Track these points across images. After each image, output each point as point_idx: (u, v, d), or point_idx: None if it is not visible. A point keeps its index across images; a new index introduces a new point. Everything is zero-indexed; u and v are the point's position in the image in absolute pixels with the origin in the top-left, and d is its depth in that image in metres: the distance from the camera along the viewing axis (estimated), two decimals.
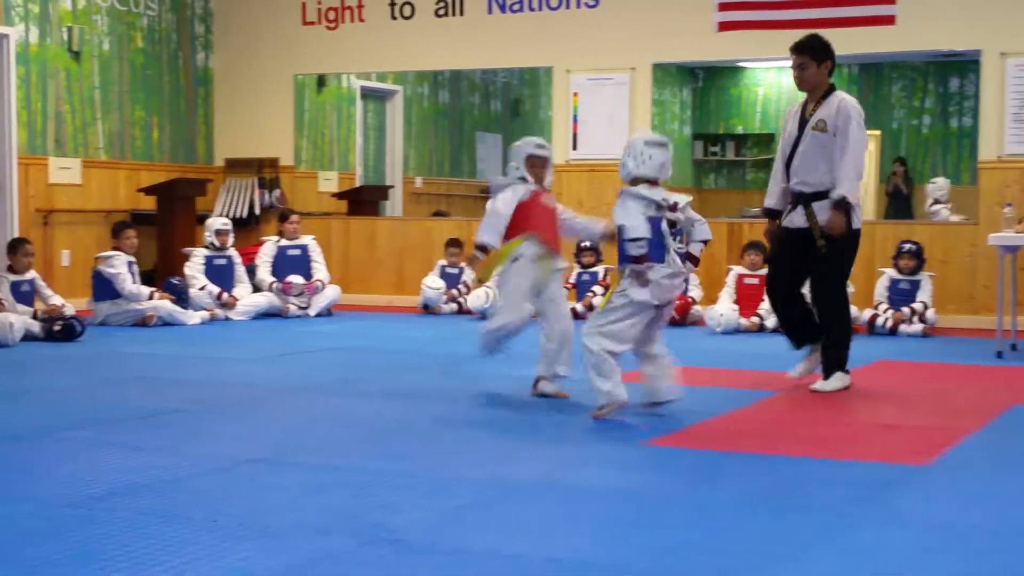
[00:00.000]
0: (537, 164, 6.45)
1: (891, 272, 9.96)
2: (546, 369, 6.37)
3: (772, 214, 6.95)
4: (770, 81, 15.36)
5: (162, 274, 10.90)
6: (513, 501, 4.20)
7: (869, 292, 9.99)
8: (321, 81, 13.26)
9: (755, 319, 9.75)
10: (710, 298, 10.38)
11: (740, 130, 15.83)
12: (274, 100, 12.61)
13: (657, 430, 5.46)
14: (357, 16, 12.21)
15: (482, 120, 16.06)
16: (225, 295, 10.50)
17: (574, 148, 11.41)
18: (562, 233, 6.50)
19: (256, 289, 10.85)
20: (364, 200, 13.08)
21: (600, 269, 10.80)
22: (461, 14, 11.80)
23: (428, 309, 11.21)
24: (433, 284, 11.19)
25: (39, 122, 10.87)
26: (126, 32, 11.78)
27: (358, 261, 12.29)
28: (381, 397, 6.42)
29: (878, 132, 14.82)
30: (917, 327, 9.63)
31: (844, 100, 6.61)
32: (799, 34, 7.01)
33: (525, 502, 4.19)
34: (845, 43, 9.99)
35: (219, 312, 10.39)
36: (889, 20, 10.38)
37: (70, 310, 9.22)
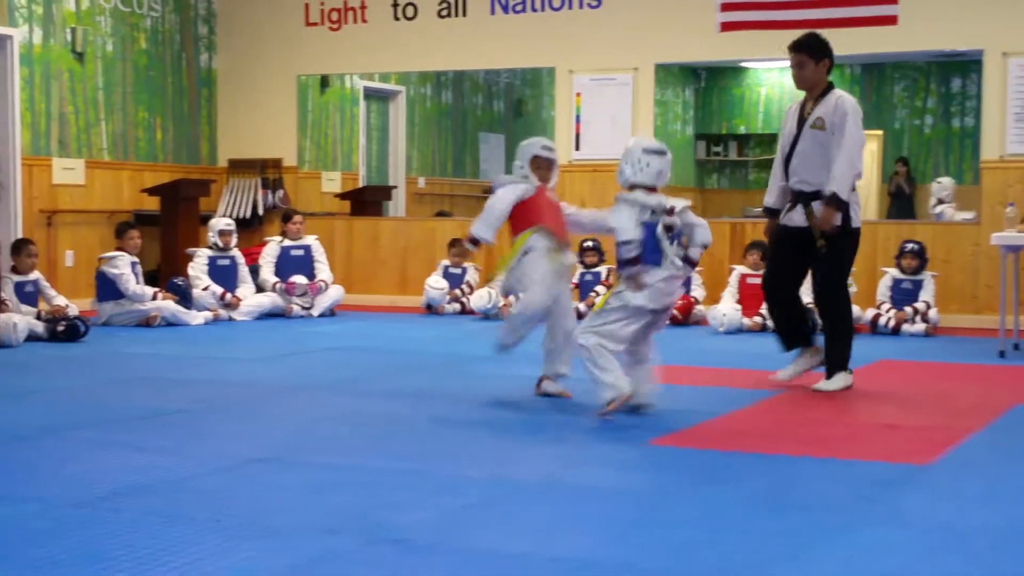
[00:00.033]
0: (543, 165, 6.45)
1: (893, 272, 9.96)
2: (549, 368, 6.38)
3: (772, 213, 6.95)
4: (772, 81, 15.37)
5: (165, 274, 10.91)
6: (516, 501, 4.21)
7: (872, 292, 10.00)
8: (324, 82, 13.27)
9: (758, 319, 9.74)
10: (713, 298, 10.39)
11: (742, 130, 15.85)
12: (277, 101, 12.62)
13: (659, 430, 5.47)
14: (360, 17, 12.22)
15: (485, 120, 16.07)
16: (228, 295, 10.51)
17: (577, 148, 11.42)
18: (570, 229, 6.49)
19: (259, 289, 10.86)
20: (367, 200, 13.10)
21: (603, 269, 10.80)
22: (464, 15, 11.81)
23: (431, 309, 11.22)
24: (436, 284, 11.20)
25: (43, 123, 10.89)
26: (129, 33, 11.80)
27: (361, 261, 12.30)
28: (384, 397, 6.42)
29: (880, 132, 14.83)
30: (919, 327, 9.63)
31: (842, 98, 6.61)
32: (801, 34, 7.02)
33: (528, 502, 4.20)
34: (847, 43, 10.03)
35: (222, 312, 10.40)
36: (891, 20, 10.38)
37: (74, 310, 9.22)
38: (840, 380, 6.65)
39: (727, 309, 9.81)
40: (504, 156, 15.67)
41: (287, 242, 11.07)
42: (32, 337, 8.68)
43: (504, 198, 6.37)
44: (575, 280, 10.63)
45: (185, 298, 10.17)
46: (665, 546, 3.62)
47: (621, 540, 3.74)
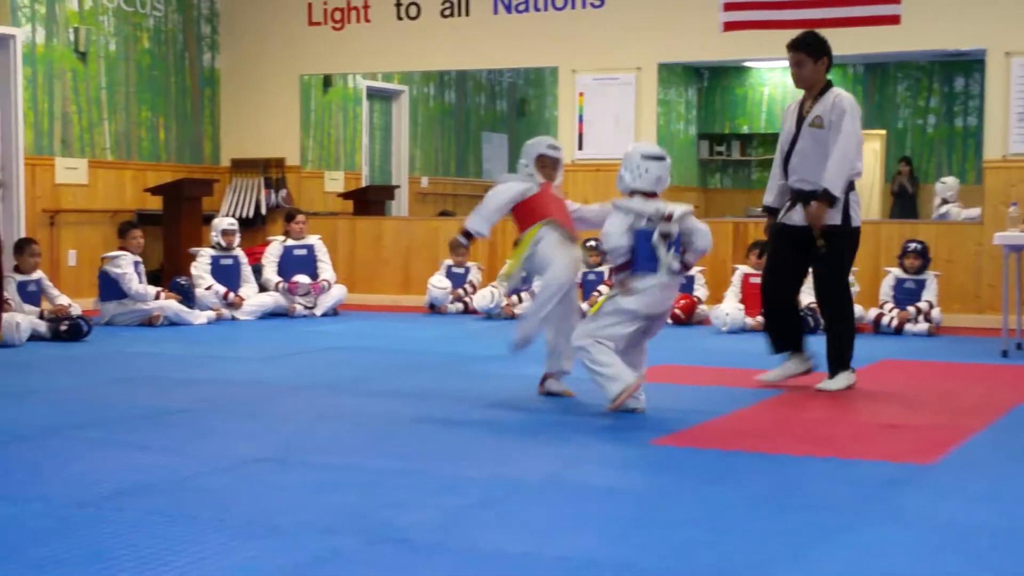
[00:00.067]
0: (548, 164, 6.46)
1: (896, 271, 9.96)
2: (554, 364, 6.37)
3: (772, 211, 6.94)
4: (775, 81, 15.36)
5: (168, 274, 10.92)
6: (517, 501, 4.21)
7: (874, 291, 10.00)
8: (327, 81, 13.28)
9: (760, 318, 9.73)
10: (715, 297, 10.39)
11: (745, 130, 15.84)
12: (280, 100, 12.63)
13: (660, 430, 5.47)
14: (363, 16, 12.23)
15: (488, 120, 16.07)
16: (231, 295, 10.52)
17: (580, 148, 11.42)
18: (577, 226, 6.48)
19: (262, 289, 10.87)
20: (370, 200, 13.10)
21: (606, 269, 10.80)
22: (467, 14, 11.81)
23: (434, 309, 11.22)
24: (439, 284, 11.20)
25: (45, 123, 10.90)
26: (132, 33, 11.81)
27: (364, 261, 12.31)
28: (387, 397, 6.43)
29: (883, 132, 14.82)
30: (922, 326, 9.63)
31: (839, 96, 6.60)
32: (799, 33, 7.02)
33: (529, 501, 4.20)
34: (850, 43, 10.05)
35: (225, 312, 10.41)
36: (894, 20, 10.38)
37: (76, 310, 9.24)
38: (843, 379, 6.65)
39: (730, 309, 9.81)
40: (507, 156, 15.67)
41: (290, 242, 11.07)
42: (35, 337, 8.69)
43: (502, 193, 6.38)
44: (578, 280, 10.61)
45: (188, 298, 10.18)
46: (666, 546, 3.62)
47: (622, 540, 3.74)
